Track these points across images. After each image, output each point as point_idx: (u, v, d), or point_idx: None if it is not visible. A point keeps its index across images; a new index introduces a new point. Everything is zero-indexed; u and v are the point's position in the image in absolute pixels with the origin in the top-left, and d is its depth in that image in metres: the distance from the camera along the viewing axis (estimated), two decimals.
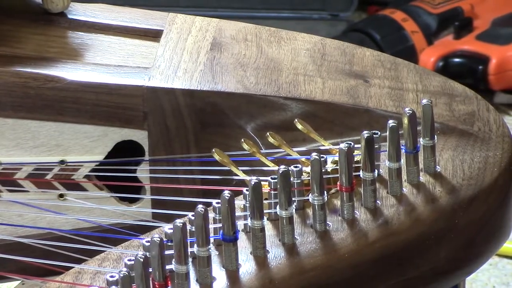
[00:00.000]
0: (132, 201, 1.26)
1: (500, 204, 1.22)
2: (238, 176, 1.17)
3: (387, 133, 1.14)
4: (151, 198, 1.23)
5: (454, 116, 1.22)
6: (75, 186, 1.25)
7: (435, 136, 1.17)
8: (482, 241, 1.21)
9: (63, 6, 1.32)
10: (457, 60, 1.66)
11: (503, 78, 1.70)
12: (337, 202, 1.12)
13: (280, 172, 1.08)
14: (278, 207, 1.08)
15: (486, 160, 1.20)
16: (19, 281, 1.17)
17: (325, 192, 1.12)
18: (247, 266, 1.06)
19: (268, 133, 1.22)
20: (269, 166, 1.17)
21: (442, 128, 1.18)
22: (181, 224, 1.04)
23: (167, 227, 1.05)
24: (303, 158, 1.16)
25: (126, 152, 1.26)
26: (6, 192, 1.27)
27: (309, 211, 1.11)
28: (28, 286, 1.13)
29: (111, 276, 1.02)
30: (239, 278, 1.06)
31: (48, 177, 1.26)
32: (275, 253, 1.08)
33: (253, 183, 1.06)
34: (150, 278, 1.03)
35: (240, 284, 1.06)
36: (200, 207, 1.06)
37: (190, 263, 1.05)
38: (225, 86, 1.24)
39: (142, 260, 1.00)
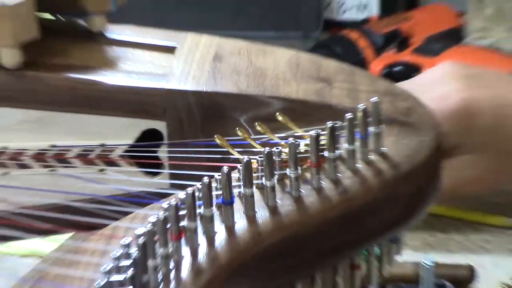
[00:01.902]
0: (154, 174, 1.29)
1: (430, 175, 1.26)
2: (234, 155, 1.20)
3: (346, 123, 1.17)
4: (169, 172, 1.27)
5: (396, 111, 1.26)
6: (112, 163, 1.28)
7: (382, 125, 1.21)
8: (417, 204, 1.25)
9: (101, 27, 1.35)
10: (397, 68, 1.69)
11: None
12: (308, 175, 1.15)
13: (265, 152, 1.11)
14: (263, 178, 1.11)
15: (420, 143, 1.24)
16: (72, 233, 1.19)
17: (299, 167, 1.15)
18: (241, 223, 1.09)
19: (256, 123, 1.25)
20: (257, 148, 1.20)
21: (387, 119, 1.22)
22: (191, 191, 1.07)
23: (181, 194, 1.07)
24: (282, 142, 1.19)
25: (150, 137, 1.29)
26: (61, 168, 1.30)
27: (287, 182, 1.15)
28: (78, 237, 1.16)
29: (140, 230, 1.05)
30: (235, 231, 1.08)
31: (91, 156, 1.29)
32: (262, 213, 1.11)
33: (245, 160, 1.10)
34: (168, 233, 1.06)
35: (235, 236, 1.09)
36: (205, 179, 1.10)
37: (198, 221, 1.08)
38: (224, 88, 1.28)
39: (161, 219, 1.04)
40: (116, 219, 1.16)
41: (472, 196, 1.53)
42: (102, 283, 1.00)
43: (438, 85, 1.50)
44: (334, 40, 1.81)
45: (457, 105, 1.50)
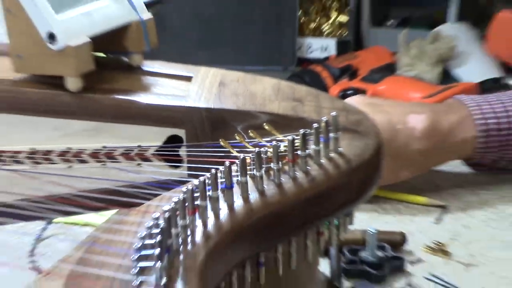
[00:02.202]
0: (176, 167, 1.29)
1: (374, 168, 1.27)
2: (234, 154, 1.20)
3: (313, 130, 1.17)
4: (187, 166, 1.26)
5: (349, 122, 1.27)
6: (146, 159, 1.28)
7: (339, 132, 1.20)
8: (365, 189, 1.25)
9: (139, 62, 1.35)
10: (349, 92, 1.69)
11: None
12: (287, 168, 1.15)
13: (256, 152, 1.12)
14: (254, 170, 1.11)
15: (366, 145, 1.25)
16: (116, 210, 1.19)
17: (280, 162, 1.15)
18: (238, 202, 1.09)
19: (250, 131, 1.26)
20: (250, 149, 1.21)
21: (343, 128, 1.22)
22: (203, 179, 1.07)
23: (195, 181, 1.07)
24: (268, 144, 1.20)
25: (173, 141, 1.30)
26: (109, 163, 1.29)
27: (271, 173, 1.14)
28: (121, 212, 1.15)
29: (166, 207, 1.05)
30: (234, 208, 1.08)
31: (131, 154, 1.29)
32: (253, 195, 1.11)
33: (241, 157, 1.10)
34: (186, 209, 1.06)
35: (234, 211, 1.09)
36: (213, 170, 1.10)
37: (207, 201, 1.08)
38: (226, 105, 1.29)
39: (181, 199, 1.04)
40: (148, 199, 1.17)
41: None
42: (138, 246, 1.00)
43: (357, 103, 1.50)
44: (304, 72, 1.82)
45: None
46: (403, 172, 1.56)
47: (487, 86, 1.79)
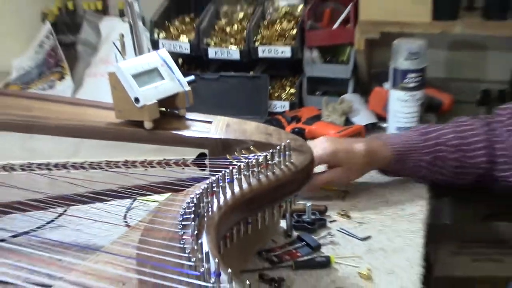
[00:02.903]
0: (203, 170, 1.26)
1: (308, 171, 1.26)
2: (234, 163, 1.19)
3: (277, 150, 1.16)
4: (209, 169, 1.24)
5: (296, 145, 1.25)
6: (187, 165, 1.26)
7: (291, 151, 1.19)
8: (303, 183, 1.25)
9: (183, 113, 1.32)
10: (296, 130, 1.62)
11: (312, 136, 1.66)
12: (263, 170, 1.14)
13: (246, 161, 1.13)
14: (245, 171, 1.11)
15: (305, 158, 1.24)
16: (170, 194, 1.17)
17: (259, 167, 1.15)
18: (237, 189, 1.12)
19: (242, 150, 1.26)
20: (243, 160, 1.19)
21: (293, 148, 1.21)
22: (217, 177, 1.12)
23: (213, 178, 1.10)
24: (253, 157, 1.19)
25: (201, 155, 1.27)
26: (168, 167, 1.28)
27: (254, 173, 1.14)
28: (173, 195, 1.14)
29: (198, 191, 1.07)
30: (234, 192, 1.11)
31: (179, 162, 1.28)
32: (244, 185, 1.14)
33: (238, 165, 1.12)
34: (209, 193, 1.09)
35: (234, 194, 1.12)
36: (223, 172, 1.15)
37: (220, 188, 1.12)
38: (230, 136, 1.27)
39: (205, 187, 1.06)
40: (188, 187, 1.18)
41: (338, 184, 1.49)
42: (182, 213, 1.05)
43: (321, 143, 1.48)
44: (272, 119, 1.78)
45: (329, 150, 1.47)
46: (351, 177, 1.52)
47: (368, 127, 1.77)
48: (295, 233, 1.36)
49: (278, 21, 1.96)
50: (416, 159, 1.52)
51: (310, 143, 1.45)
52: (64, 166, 1.26)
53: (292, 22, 1.94)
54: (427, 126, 1.57)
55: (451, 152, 1.52)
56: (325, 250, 1.32)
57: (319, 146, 1.48)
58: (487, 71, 2.02)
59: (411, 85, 1.68)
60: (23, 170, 1.26)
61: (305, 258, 1.29)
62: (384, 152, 1.51)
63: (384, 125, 1.78)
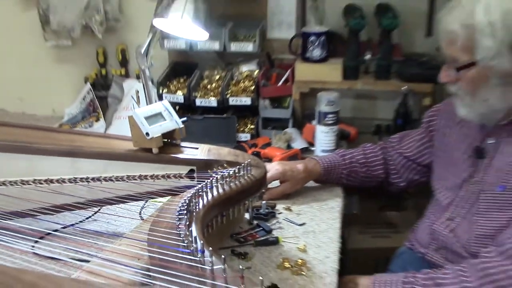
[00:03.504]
0: (193, 180, 1.22)
1: (263, 180, 1.22)
2: (214, 176, 1.16)
3: (242, 166, 1.14)
4: (197, 180, 1.21)
5: (254, 163, 1.22)
6: (181, 177, 1.22)
7: (252, 167, 1.17)
8: (260, 188, 1.22)
9: (179, 142, 1.28)
10: (254, 153, 1.57)
11: (265, 157, 1.63)
12: (233, 180, 1.11)
13: (222, 173, 1.09)
14: (220, 181, 1.08)
15: (261, 171, 1.22)
16: (170, 196, 1.14)
17: (231, 178, 1.12)
18: (215, 192, 1.09)
19: (219, 166, 1.23)
20: (219, 174, 1.16)
21: (252, 165, 1.18)
22: (203, 184, 1.08)
23: (200, 186, 1.06)
24: (226, 172, 1.15)
25: (191, 171, 1.24)
26: (169, 178, 1.24)
27: (227, 181, 1.11)
28: (173, 197, 1.11)
29: (189, 195, 1.04)
30: (214, 195, 1.08)
31: (177, 175, 1.23)
32: (221, 190, 1.11)
33: (216, 176, 1.07)
34: (197, 195, 1.04)
35: (214, 196, 1.10)
36: (206, 181, 1.12)
37: (203, 192, 1.08)
38: (211, 157, 1.23)
39: (194, 192, 1.02)
40: (182, 192, 1.15)
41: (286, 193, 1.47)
42: (178, 209, 1.00)
43: (273, 167, 1.44)
44: (238, 146, 1.74)
45: (280, 171, 1.44)
46: (296, 187, 1.47)
47: (303, 150, 1.74)
48: (255, 222, 1.35)
49: (242, 81, 1.94)
50: (338, 173, 1.50)
51: (267, 165, 1.41)
52: (98, 179, 1.23)
53: (251, 81, 1.92)
54: (344, 150, 1.56)
55: (360, 168, 1.51)
56: (275, 233, 1.31)
57: (272, 169, 1.44)
58: (378, 112, 2.01)
59: (330, 122, 1.67)
60: (70, 182, 1.23)
61: (262, 238, 1.27)
62: (317, 169, 1.49)
63: (313, 148, 1.75)
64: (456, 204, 1.25)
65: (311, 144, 1.77)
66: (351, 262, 1.64)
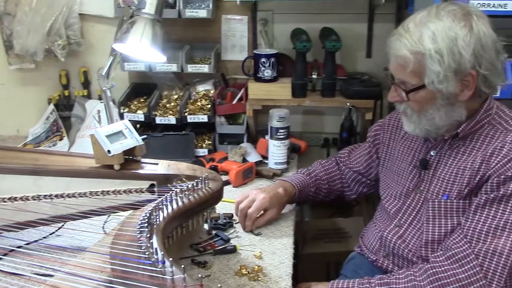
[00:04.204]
0: (153, 194, 1.19)
1: (220, 192, 1.20)
2: (173, 189, 1.13)
3: (200, 180, 1.12)
4: (157, 193, 1.18)
5: (211, 176, 1.20)
6: (142, 192, 1.19)
7: (209, 180, 1.15)
8: (218, 199, 1.20)
9: (139, 158, 1.25)
10: (212, 167, 1.55)
11: (222, 170, 1.62)
12: (191, 193, 1.09)
13: (181, 187, 1.07)
14: (179, 194, 1.06)
15: (218, 184, 1.19)
16: (132, 210, 1.10)
17: (189, 191, 1.10)
18: (175, 205, 1.06)
19: (178, 180, 1.20)
20: (179, 187, 1.13)
21: (209, 178, 1.16)
22: (162, 198, 1.04)
23: (160, 199, 1.03)
24: (185, 185, 1.13)
25: (152, 185, 1.21)
26: (131, 193, 1.21)
27: (186, 194, 1.09)
28: (135, 211, 1.07)
29: (149, 208, 1.01)
30: (174, 207, 1.05)
31: (138, 190, 1.20)
32: (180, 203, 1.08)
33: (176, 190, 1.05)
34: (157, 209, 1.01)
35: (173, 208, 1.07)
36: (166, 195, 1.08)
37: (164, 205, 1.03)
38: (170, 172, 1.20)
39: (155, 205, 0.99)
40: (144, 206, 1.12)
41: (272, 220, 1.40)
42: (139, 222, 0.97)
43: (257, 195, 1.35)
44: (196, 161, 1.71)
45: (267, 199, 1.35)
46: (280, 211, 1.40)
47: (257, 163, 1.72)
48: (213, 232, 1.33)
49: (198, 99, 1.92)
50: (308, 191, 1.48)
51: (245, 192, 1.39)
52: (62, 195, 1.19)
53: (208, 100, 1.90)
54: (306, 169, 1.54)
55: (324, 184, 1.51)
56: (233, 241, 1.29)
57: (258, 199, 1.36)
58: (325, 126, 2.02)
59: (281, 136, 1.67)
60: (34, 199, 1.20)
61: (220, 247, 1.26)
62: (292, 190, 1.45)
63: (267, 161, 1.74)
64: (404, 212, 1.25)
65: (265, 157, 1.76)
66: (305, 267, 1.65)
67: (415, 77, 1.10)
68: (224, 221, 1.36)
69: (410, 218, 1.24)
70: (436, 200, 1.17)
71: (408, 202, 1.25)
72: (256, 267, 1.17)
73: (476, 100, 1.13)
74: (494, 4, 1.38)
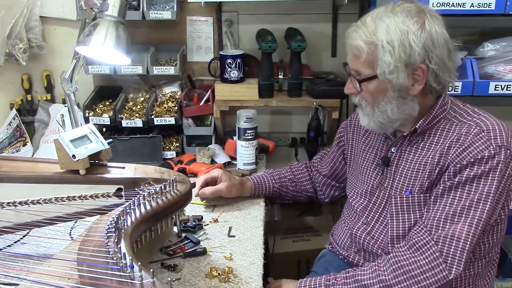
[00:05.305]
0: (120, 198, 1.18)
1: (188, 195, 1.19)
2: (141, 193, 1.12)
3: (168, 182, 1.11)
4: (124, 198, 1.16)
5: (180, 179, 1.19)
6: (109, 196, 1.17)
7: (176, 182, 1.14)
8: (186, 202, 1.19)
9: (106, 163, 1.24)
10: (180, 169, 1.55)
11: (191, 172, 1.62)
12: (159, 196, 1.08)
13: (149, 190, 1.05)
14: (147, 197, 1.05)
15: (186, 186, 1.20)
16: (99, 215, 1.08)
17: (157, 194, 1.09)
18: (143, 209, 1.05)
19: (145, 184, 1.19)
20: (147, 190, 1.12)
21: (178, 181, 1.15)
22: (130, 202, 1.02)
23: (127, 203, 1.01)
24: (153, 188, 1.12)
25: (119, 189, 1.19)
26: (97, 198, 1.18)
27: (154, 198, 1.08)
28: (102, 216, 1.06)
29: (116, 213, 0.99)
30: (141, 211, 1.04)
31: (105, 194, 1.18)
32: (148, 206, 1.07)
33: (143, 194, 1.03)
34: (124, 213, 1.00)
35: (141, 212, 1.06)
36: (133, 199, 1.08)
37: (132, 210, 1.02)
38: (137, 176, 1.19)
39: (122, 209, 0.97)
40: (111, 210, 1.10)
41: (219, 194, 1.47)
42: (107, 227, 0.96)
43: (214, 170, 1.46)
44: (164, 164, 1.69)
45: (220, 171, 1.47)
46: (229, 191, 1.46)
47: (225, 164, 1.73)
48: (183, 234, 1.32)
49: (165, 102, 1.91)
50: (269, 186, 1.52)
51: (210, 169, 1.44)
52: (26, 202, 1.16)
53: (174, 102, 1.90)
54: (274, 170, 1.58)
55: (290, 183, 1.54)
56: (203, 244, 1.29)
57: (214, 170, 1.48)
58: (293, 126, 2.03)
59: (249, 137, 1.67)
60: None
61: (190, 250, 1.25)
62: (248, 184, 1.50)
63: (235, 162, 1.74)
64: (370, 209, 1.28)
65: (233, 158, 1.76)
66: (276, 266, 1.66)
67: (368, 68, 1.14)
68: (194, 223, 1.35)
69: (377, 215, 1.26)
70: (399, 196, 1.20)
71: (373, 200, 1.28)
72: (227, 268, 1.17)
73: (429, 96, 1.17)
74: (453, 4, 1.44)
